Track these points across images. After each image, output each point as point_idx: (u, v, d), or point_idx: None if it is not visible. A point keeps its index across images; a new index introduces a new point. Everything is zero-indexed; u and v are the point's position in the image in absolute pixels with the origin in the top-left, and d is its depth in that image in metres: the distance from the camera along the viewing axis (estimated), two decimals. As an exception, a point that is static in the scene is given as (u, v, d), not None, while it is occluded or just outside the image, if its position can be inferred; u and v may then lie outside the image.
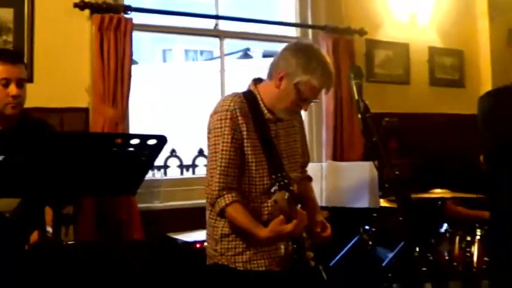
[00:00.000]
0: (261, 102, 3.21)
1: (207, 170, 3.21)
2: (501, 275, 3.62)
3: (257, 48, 10.78)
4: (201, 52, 16.12)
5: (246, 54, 10.39)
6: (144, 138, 2.59)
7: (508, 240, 3.49)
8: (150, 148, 2.64)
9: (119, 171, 2.71)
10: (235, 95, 3.20)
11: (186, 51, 16.65)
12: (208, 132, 3.17)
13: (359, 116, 2.82)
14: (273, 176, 3.07)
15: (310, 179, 3.63)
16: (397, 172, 2.64)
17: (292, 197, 2.97)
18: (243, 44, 9.91)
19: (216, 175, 3.08)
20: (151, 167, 3.13)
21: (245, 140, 3.11)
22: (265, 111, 3.21)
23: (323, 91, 3.20)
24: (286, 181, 3.06)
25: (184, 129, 7.52)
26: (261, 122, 3.18)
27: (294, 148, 3.36)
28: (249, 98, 3.20)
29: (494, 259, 3.82)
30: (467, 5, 7.02)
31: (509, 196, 3.54)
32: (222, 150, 3.08)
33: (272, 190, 2.94)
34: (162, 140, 2.57)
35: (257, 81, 3.30)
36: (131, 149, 2.63)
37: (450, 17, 6.79)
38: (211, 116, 3.16)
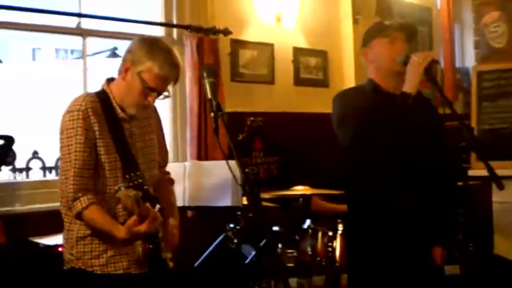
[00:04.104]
0: (113, 101, 3.18)
1: (60, 172, 3.17)
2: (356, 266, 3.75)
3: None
4: (72, 51, 15.84)
5: (114, 54, 10.27)
6: (-11, 138, 2.54)
7: (361, 233, 3.61)
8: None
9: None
10: (87, 94, 3.18)
11: (57, 50, 16.32)
12: (61, 133, 3.11)
13: (212, 114, 2.85)
14: (127, 176, 3.05)
15: (172, 182, 3.64)
16: (247, 170, 2.68)
17: (145, 196, 2.97)
18: (112, 43, 9.81)
19: (70, 177, 3.03)
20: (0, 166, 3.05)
21: (98, 140, 3.08)
22: (119, 110, 3.18)
23: (171, 83, 3.21)
24: (140, 180, 3.06)
25: (48, 130, 7.37)
26: (114, 121, 3.15)
27: (150, 147, 3.35)
28: (101, 98, 3.16)
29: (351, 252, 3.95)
30: (331, 7, 7.18)
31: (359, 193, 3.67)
32: (76, 151, 3.03)
33: (116, 188, 2.92)
34: (9, 140, 2.53)
35: (110, 80, 3.28)
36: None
37: (315, 18, 6.94)
38: (63, 116, 3.11)
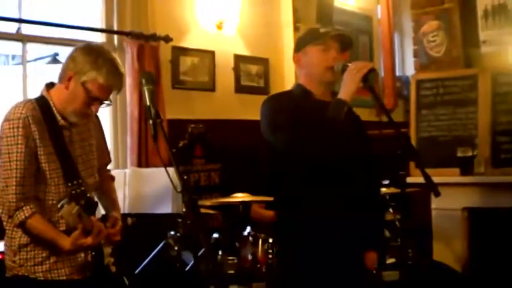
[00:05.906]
0: (53, 108, 3.15)
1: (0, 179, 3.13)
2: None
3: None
4: (13, 57, 15.60)
5: (54, 60, 10.10)
6: None
7: (291, 239, 3.64)
8: None
9: None
10: (27, 101, 3.14)
11: (-4, 56, 16.05)
12: (0, 140, 3.07)
13: (150, 122, 2.85)
14: (69, 184, 3.04)
15: (112, 178, 3.64)
16: (186, 177, 2.69)
17: (86, 207, 2.96)
18: (52, 49, 9.68)
19: (11, 186, 3.00)
20: None
21: (38, 148, 3.05)
22: (59, 118, 3.15)
23: (114, 92, 3.20)
24: (82, 188, 3.04)
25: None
26: (55, 129, 3.12)
27: (90, 153, 3.33)
28: (41, 104, 3.13)
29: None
30: (272, 14, 7.26)
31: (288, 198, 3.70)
32: (17, 160, 3.00)
33: (59, 205, 2.91)
34: None
35: (50, 86, 3.24)
36: None
37: (256, 26, 7.01)
38: (2, 123, 3.07)
